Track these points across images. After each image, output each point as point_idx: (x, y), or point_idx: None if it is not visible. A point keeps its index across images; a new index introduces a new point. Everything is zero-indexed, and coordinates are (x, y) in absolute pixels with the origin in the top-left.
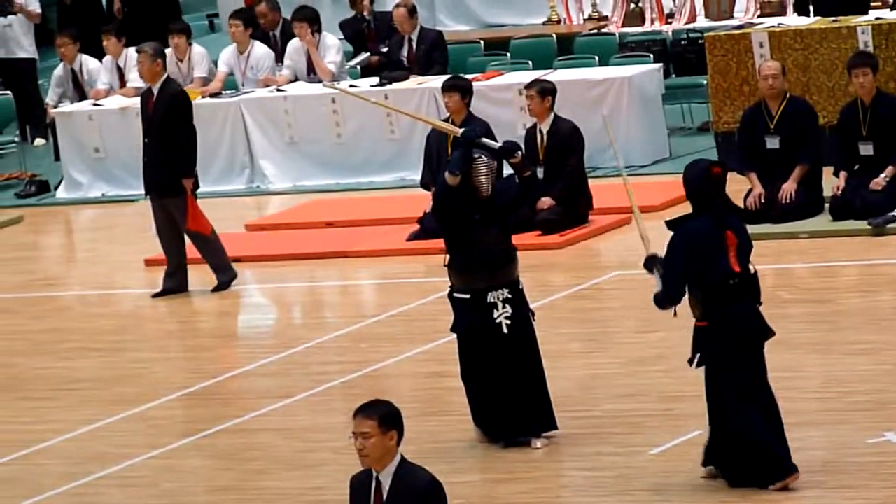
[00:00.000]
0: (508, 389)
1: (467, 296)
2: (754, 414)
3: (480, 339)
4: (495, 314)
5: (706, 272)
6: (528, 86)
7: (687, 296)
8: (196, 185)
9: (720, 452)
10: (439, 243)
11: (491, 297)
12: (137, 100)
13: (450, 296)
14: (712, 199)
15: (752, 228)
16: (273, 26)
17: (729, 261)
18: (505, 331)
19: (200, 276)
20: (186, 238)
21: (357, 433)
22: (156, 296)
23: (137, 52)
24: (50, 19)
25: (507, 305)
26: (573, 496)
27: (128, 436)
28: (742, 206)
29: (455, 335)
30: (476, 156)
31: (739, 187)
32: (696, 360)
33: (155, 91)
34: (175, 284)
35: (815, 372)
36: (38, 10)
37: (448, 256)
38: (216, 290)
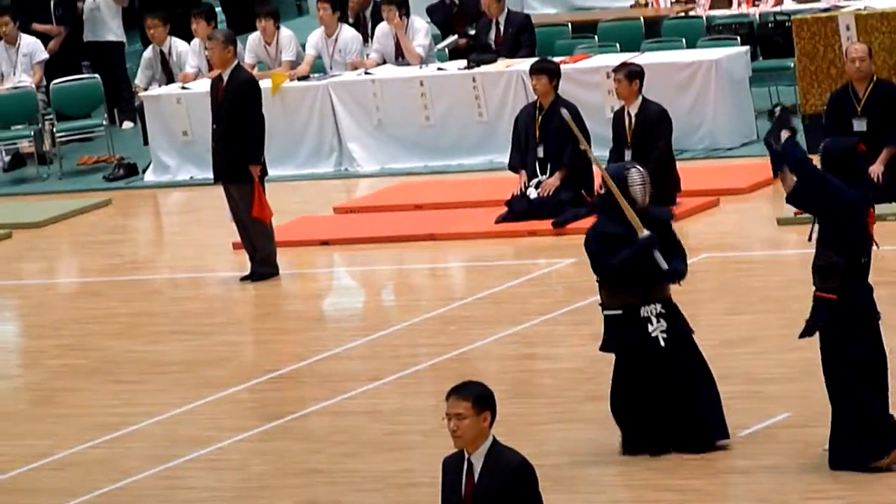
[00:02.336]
0: (673, 404)
1: (619, 311)
2: (869, 390)
3: (636, 355)
4: (650, 328)
5: (851, 243)
6: (616, 69)
7: (815, 264)
8: (264, 172)
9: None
10: (527, 226)
11: (644, 312)
12: None
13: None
14: (861, 174)
15: None
16: (364, 6)
17: (871, 237)
18: (662, 344)
19: (290, 258)
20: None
21: (451, 414)
22: (244, 279)
23: (208, 38)
24: (136, 1)
25: (661, 320)
26: (660, 477)
27: (216, 419)
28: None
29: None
30: (629, 167)
31: None
32: (810, 331)
33: (225, 77)
34: (272, 264)
35: None
36: None
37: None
38: (248, 278)
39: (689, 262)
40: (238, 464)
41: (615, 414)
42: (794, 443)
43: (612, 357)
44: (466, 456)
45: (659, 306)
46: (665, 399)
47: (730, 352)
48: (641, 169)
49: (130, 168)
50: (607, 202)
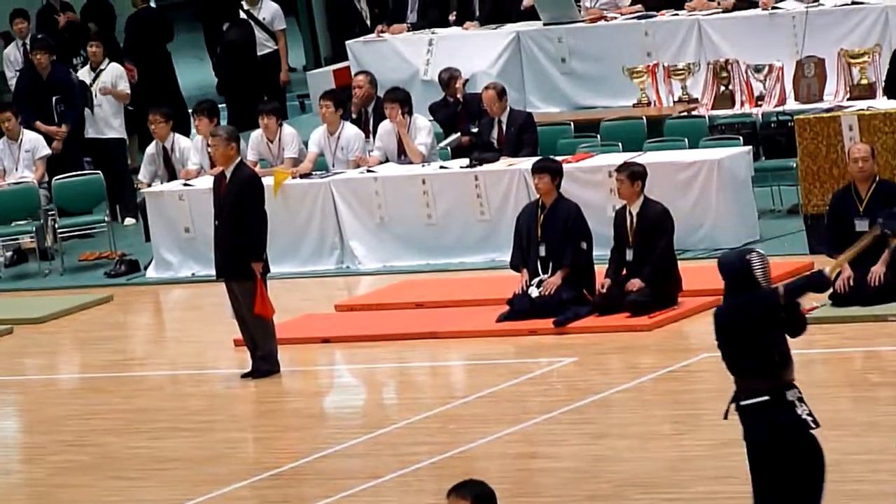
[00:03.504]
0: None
1: (766, 397)
2: None
3: (788, 440)
4: (798, 411)
5: None
6: (619, 169)
7: None
8: (266, 269)
9: None
10: (529, 325)
11: (790, 396)
12: None
13: (738, 407)
14: None
15: (841, 311)
16: (368, 101)
17: None
18: (812, 427)
19: (291, 355)
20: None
21: None
22: (245, 376)
23: (211, 135)
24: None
25: (803, 403)
26: None
27: None
28: (832, 289)
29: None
30: (749, 252)
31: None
32: None
33: (228, 174)
34: (272, 362)
35: None
36: (128, 91)
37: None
38: (249, 375)
39: (688, 361)
40: None
41: None
42: None
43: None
44: None
45: (797, 391)
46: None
47: (730, 451)
48: (761, 252)
49: (132, 264)
50: None
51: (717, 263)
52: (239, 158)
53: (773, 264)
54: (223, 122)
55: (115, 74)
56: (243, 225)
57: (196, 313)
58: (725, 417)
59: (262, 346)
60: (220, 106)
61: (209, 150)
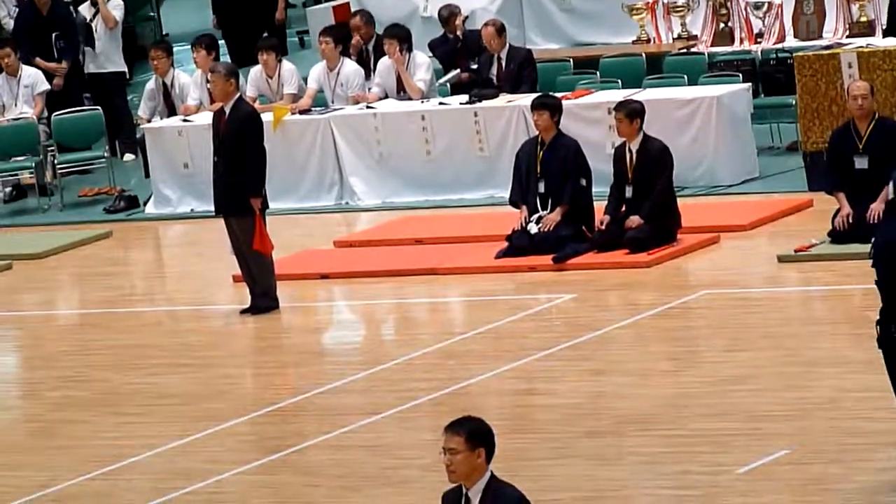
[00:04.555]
0: None
1: None
2: None
3: None
4: None
5: None
6: (617, 107)
7: None
8: (265, 206)
9: None
10: (528, 261)
11: None
12: None
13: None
14: None
15: (841, 248)
16: (367, 40)
17: None
18: None
19: (290, 291)
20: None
21: (445, 449)
22: (244, 312)
23: (210, 71)
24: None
25: None
26: None
27: (216, 452)
28: (830, 226)
29: None
30: None
31: (828, 207)
32: None
33: (227, 110)
34: (272, 297)
35: None
36: (117, 18)
37: None
38: (248, 311)
39: (687, 298)
40: (237, 497)
41: None
42: (792, 480)
43: (610, 390)
44: (464, 491)
45: None
46: None
47: (729, 388)
48: None
49: (131, 200)
50: None
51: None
52: (238, 94)
53: (772, 201)
54: (223, 59)
55: (114, 4)
56: (242, 161)
57: (195, 249)
58: (880, 345)
59: (260, 282)
60: (219, 42)
61: (208, 86)
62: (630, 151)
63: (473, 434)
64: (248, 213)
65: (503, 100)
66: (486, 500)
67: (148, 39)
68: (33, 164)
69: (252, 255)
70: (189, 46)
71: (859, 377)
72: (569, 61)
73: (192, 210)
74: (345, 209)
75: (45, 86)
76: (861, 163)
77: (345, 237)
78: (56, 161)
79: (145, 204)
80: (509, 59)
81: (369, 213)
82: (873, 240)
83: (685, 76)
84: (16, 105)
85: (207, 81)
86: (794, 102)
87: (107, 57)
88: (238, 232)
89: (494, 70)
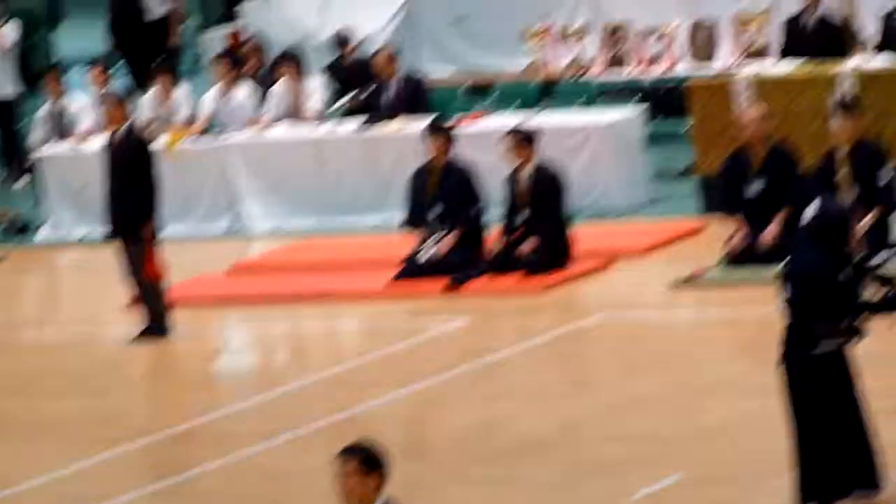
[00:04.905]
0: None
1: None
2: None
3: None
4: None
5: None
6: (510, 133)
7: None
8: (157, 231)
9: None
10: (423, 285)
11: None
12: None
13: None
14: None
15: (735, 273)
16: (259, 66)
17: None
18: None
19: (184, 317)
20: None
21: (339, 474)
22: (136, 338)
23: (102, 96)
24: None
25: None
26: None
27: (108, 478)
28: (725, 250)
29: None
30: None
31: (722, 231)
32: None
33: (119, 135)
34: (161, 325)
35: None
36: (10, 41)
37: None
38: (141, 336)
39: (581, 323)
40: None
41: None
42: None
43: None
44: None
45: None
46: None
47: (623, 413)
48: None
49: (25, 225)
50: None
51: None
52: (131, 119)
53: (666, 226)
54: (120, 82)
55: (8, 28)
56: (135, 186)
57: (88, 274)
58: (782, 362)
59: (150, 308)
60: (117, 65)
61: (101, 110)
62: (524, 176)
63: (367, 459)
64: (140, 239)
65: (396, 124)
66: None
67: (42, 64)
68: None
69: (143, 280)
70: (84, 70)
71: (752, 402)
72: (462, 86)
73: (85, 236)
74: (238, 234)
75: None
76: (755, 187)
77: (238, 263)
78: None
79: (39, 229)
80: (403, 84)
81: (263, 238)
82: (787, 261)
83: (578, 101)
84: None
85: (101, 106)
86: (687, 127)
87: (1, 83)
88: (130, 257)
89: (387, 95)
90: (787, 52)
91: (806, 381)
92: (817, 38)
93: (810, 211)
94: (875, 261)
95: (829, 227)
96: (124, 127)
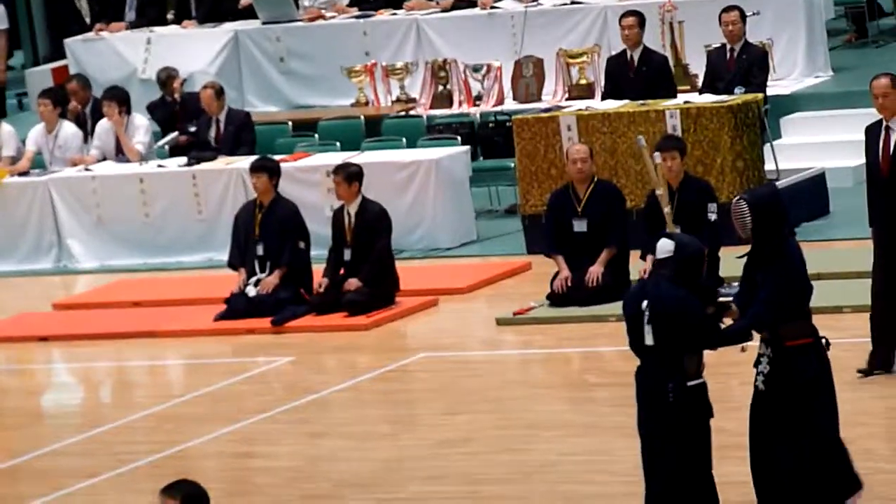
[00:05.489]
0: None
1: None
2: None
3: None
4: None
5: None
6: (335, 170)
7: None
8: None
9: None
10: (246, 324)
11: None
12: None
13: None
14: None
15: (559, 311)
16: (84, 103)
17: None
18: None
19: (8, 354)
20: None
21: None
22: None
23: None
24: None
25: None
26: None
27: None
28: (549, 289)
29: None
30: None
31: (546, 270)
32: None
33: None
34: None
35: (623, 456)
36: None
37: None
38: None
39: (405, 361)
40: None
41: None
42: None
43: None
44: None
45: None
46: None
47: (447, 451)
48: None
49: None
50: None
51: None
52: None
53: (490, 264)
54: None
55: None
56: None
57: None
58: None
59: None
60: None
61: None
62: (348, 214)
63: (188, 498)
64: None
65: (222, 162)
66: None
67: None
68: None
69: None
70: None
71: (578, 440)
72: (287, 124)
73: None
74: (63, 272)
75: None
76: (580, 226)
77: (63, 300)
78: None
79: None
80: (228, 121)
81: (88, 275)
82: (636, 303)
83: (404, 139)
84: None
85: None
86: (512, 165)
87: None
88: None
89: (213, 132)
90: (611, 90)
91: (678, 416)
92: (642, 76)
93: (664, 248)
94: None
95: (687, 262)
96: None
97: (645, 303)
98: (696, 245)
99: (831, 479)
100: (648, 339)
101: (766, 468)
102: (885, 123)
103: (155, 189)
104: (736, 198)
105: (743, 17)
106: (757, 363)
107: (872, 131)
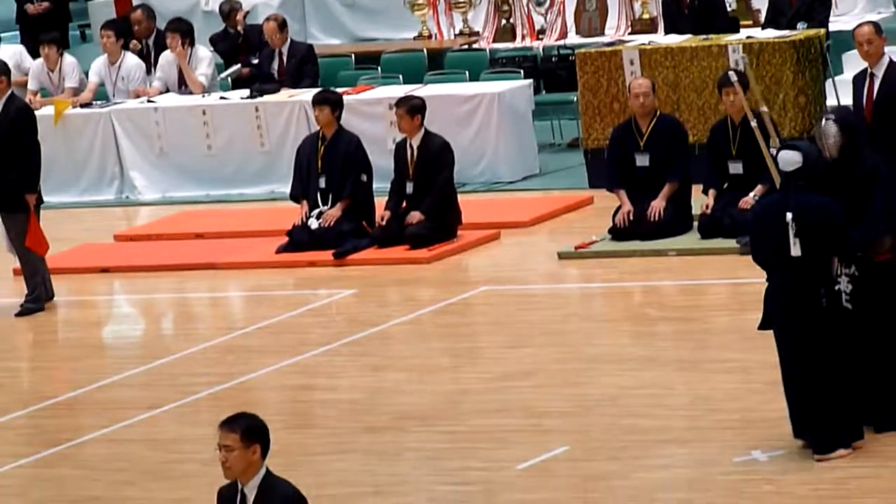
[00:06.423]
0: None
1: None
2: None
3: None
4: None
5: None
6: (398, 103)
7: None
8: (39, 202)
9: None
10: (308, 256)
11: None
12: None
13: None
14: None
15: (620, 246)
16: (147, 34)
17: None
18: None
19: (70, 285)
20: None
21: (220, 445)
22: (18, 314)
23: None
24: None
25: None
26: None
27: None
28: (611, 223)
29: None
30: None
31: (608, 204)
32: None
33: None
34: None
35: (683, 390)
36: None
37: None
38: (20, 314)
39: (467, 295)
40: (17, 490)
41: None
42: (571, 476)
43: (390, 386)
44: (240, 487)
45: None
46: None
47: (508, 385)
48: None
49: None
50: None
51: None
52: (10, 90)
53: (552, 198)
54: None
55: None
56: (16, 157)
57: None
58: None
59: (28, 282)
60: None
61: None
62: (411, 147)
63: (248, 431)
64: (22, 210)
65: (284, 95)
66: (262, 496)
67: None
68: None
69: (24, 252)
70: None
71: (638, 374)
72: (350, 57)
73: None
74: (125, 203)
75: None
76: (642, 160)
77: (125, 231)
78: None
79: None
80: (290, 54)
81: (150, 207)
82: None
83: (466, 72)
84: None
85: None
86: (575, 99)
87: None
88: (11, 228)
89: (276, 65)
90: (669, 27)
91: (833, 320)
92: (695, 12)
93: (792, 160)
94: None
95: (819, 167)
96: (4, 98)
97: (790, 215)
98: (818, 150)
99: None
100: (795, 251)
101: (882, 375)
102: (869, 70)
103: (217, 121)
104: (822, 118)
105: None
106: (832, 284)
107: (858, 79)
